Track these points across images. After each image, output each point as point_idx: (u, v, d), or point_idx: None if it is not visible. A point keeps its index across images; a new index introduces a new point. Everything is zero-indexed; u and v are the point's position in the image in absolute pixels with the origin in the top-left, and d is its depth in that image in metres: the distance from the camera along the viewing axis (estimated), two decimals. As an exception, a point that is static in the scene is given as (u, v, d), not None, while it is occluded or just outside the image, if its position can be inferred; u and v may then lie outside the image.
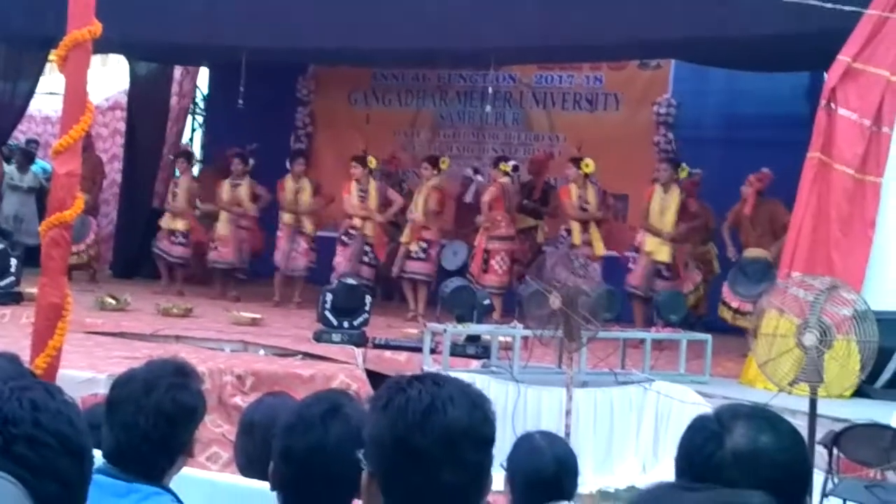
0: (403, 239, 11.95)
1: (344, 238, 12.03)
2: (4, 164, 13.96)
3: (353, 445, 2.30)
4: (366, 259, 12.08)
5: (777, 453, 1.97)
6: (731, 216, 10.90)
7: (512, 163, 12.23)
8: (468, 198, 12.71)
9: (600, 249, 11.44)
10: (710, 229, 11.77)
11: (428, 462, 1.80)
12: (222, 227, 12.71)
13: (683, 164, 11.39)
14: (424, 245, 11.96)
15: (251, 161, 12.89)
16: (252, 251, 12.89)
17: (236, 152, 12.90)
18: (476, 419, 1.84)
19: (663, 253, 11.04)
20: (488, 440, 1.87)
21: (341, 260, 11.91)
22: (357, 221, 11.96)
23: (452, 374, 2.14)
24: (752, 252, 10.61)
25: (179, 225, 12.91)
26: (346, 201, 12.00)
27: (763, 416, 2.04)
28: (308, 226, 12.38)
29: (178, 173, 13.48)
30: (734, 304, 10.48)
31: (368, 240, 12.01)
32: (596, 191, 11.70)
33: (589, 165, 11.56)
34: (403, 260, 11.91)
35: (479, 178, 13.27)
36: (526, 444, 3.54)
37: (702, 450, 1.98)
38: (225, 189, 12.76)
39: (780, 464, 1.96)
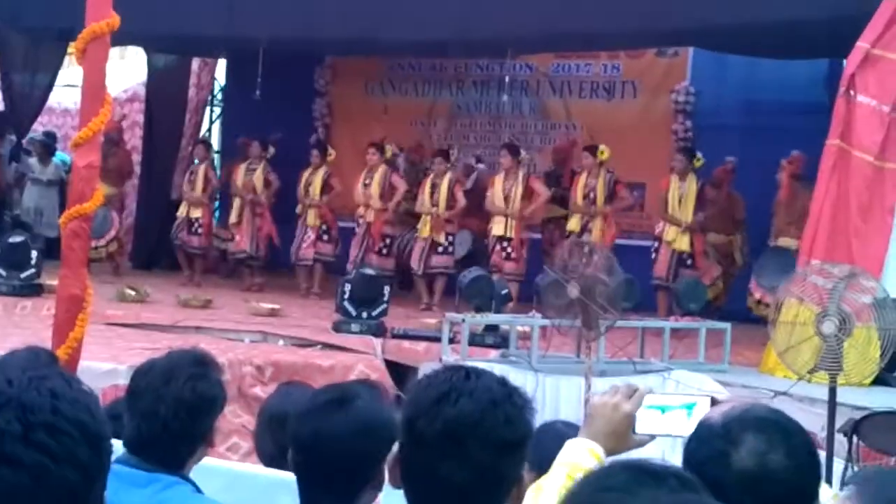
0: (423, 234, 11.83)
1: (356, 227, 12.16)
2: (26, 157, 14.04)
3: (356, 438, 2.29)
4: (383, 250, 12.11)
5: (787, 473, 1.82)
6: (774, 206, 10.85)
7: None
8: (468, 185, 12.63)
9: (598, 238, 11.26)
10: (737, 220, 11.68)
11: (430, 451, 1.78)
12: (234, 214, 12.73)
13: (699, 155, 11.32)
14: (451, 238, 11.97)
15: (271, 149, 12.90)
16: (266, 238, 12.89)
17: (254, 138, 12.89)
18: (493, 419, 1.78)
19: (682, 242, 11.01)
20: (506, 443, 1.80)
21: (354, 250, 12.04)
22: (361, 210, 12.03)
23: (477, 364, 2.12)
24: (780, 242, 10.58)
25: (197, 213, 12.94)
26: (354, 191, 12.07)
27: (775, 427, 1.86)
28: (311, 217, 12.39)
29: (196, 161, 13.49)
30: (757, 295, 10.45)
31: (374, 228, 12.06)
32: (607, 180, 11.45)
33: (604, 153, 11.47)
34: (428, 255, 11.85)
35: (482, 166, 13.26)
36: (551, 432, 3.55)
37: (706, 468, 1.80)
38: (240, 174, 12.76)
39: (790, 485, 1.82)
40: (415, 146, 13.74)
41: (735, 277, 11.62)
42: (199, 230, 12.94)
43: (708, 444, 1.86)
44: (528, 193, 11.58)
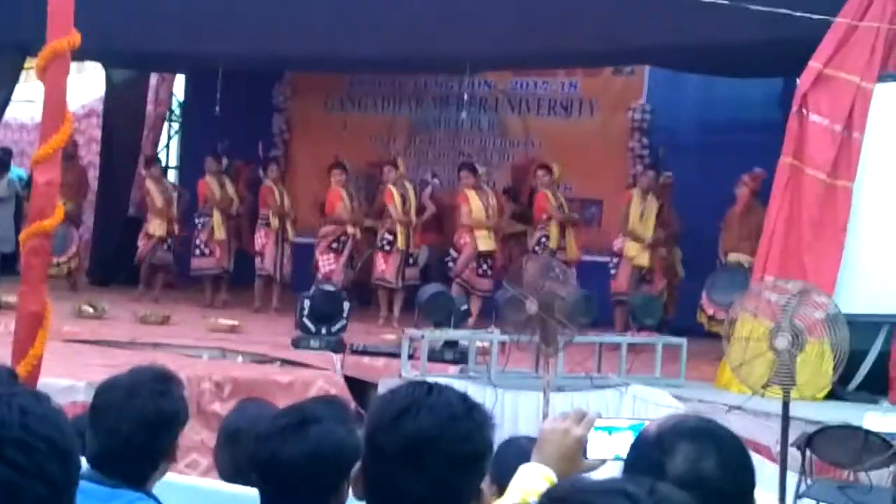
0: (401, 246, 11.76)
1: (335, 245, 11.99)
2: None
3: (314, 463, 2.30)
4: (352, 263, 12.15)
5: (720, 480, 1.84)
6: (726, 220, 10.94)
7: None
8: (423, 199, 12.68)
9: (573, 253, 11.46)
10: (675, 235, 11.81)
11: (391, 464, 1.81)
12: (218, 230, 12.53)
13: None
14: (416, 250, 12.03)
15: (224, 160, 12.85)
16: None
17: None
18: (452, 434, 1.81)
19: (644, 258, 11.11)
20: (465, 458, 1.83)
21: (336, 267, 11.84)
22: (350, 228, 12.00)
23: (437, 379, 2.15)
24: (732, 258, 10.68)
25: (170, 229, 12.77)
26: (339, 209, 11.97)
27: (709, 435, 1.89)
28: (291, 232, 12.41)
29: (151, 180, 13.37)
30: (710, 311, 10.54)
31: (358, 245, 12.11)
32: (560, 194, 11.75)
33: (556, 172, 11.66)
34: (403, 268, 11.84)
35: (436, 181, 13.32)
36: (514, 447, 3.58)
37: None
38: (215, 189, 12.64)
39: (723, 491, 1.84)
40: (387, 161, 13.70)
41: (679, 290, 11.72)
42: (174, 247, 12.84)
43: (643, 453, 1.89)
44: (499, 208, 11.77)
